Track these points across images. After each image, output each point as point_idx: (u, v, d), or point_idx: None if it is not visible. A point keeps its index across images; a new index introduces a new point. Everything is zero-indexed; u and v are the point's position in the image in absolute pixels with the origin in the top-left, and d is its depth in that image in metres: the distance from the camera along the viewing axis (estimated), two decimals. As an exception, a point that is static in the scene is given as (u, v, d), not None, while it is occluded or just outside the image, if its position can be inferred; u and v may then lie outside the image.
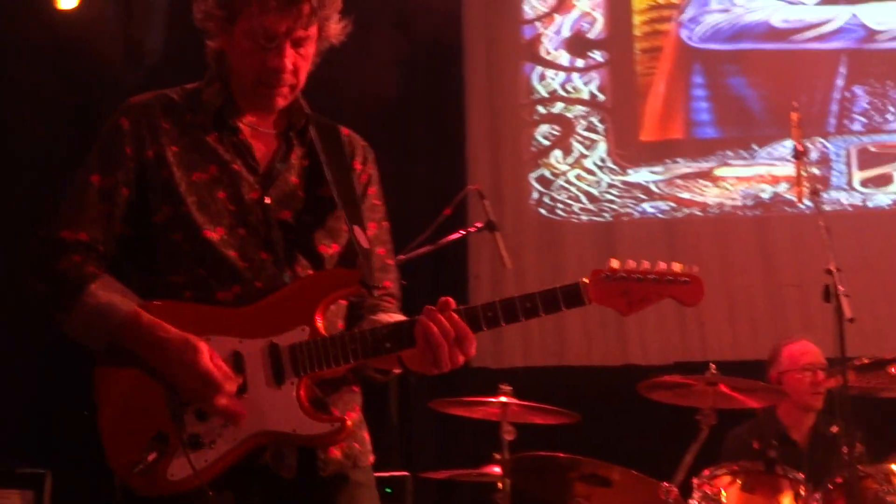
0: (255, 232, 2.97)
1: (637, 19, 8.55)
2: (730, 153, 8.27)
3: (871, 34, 8.27)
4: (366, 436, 3.10)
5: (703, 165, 8.30)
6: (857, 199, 8.11)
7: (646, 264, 2.92)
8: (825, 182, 7.97)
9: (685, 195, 8.26)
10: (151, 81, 7.80)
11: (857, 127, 8.20)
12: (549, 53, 8.60)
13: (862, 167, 8.15)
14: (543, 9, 8.65)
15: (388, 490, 6.24)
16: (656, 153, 8.39)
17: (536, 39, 8.62)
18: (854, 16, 8.27)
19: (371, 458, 3.08)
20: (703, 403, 5.60)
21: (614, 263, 2.91)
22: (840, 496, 5.26)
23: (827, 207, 7.51)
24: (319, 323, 2.90)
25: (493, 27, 8.69)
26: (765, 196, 8.18)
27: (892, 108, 8.20)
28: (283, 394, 2.85)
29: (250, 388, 2.85)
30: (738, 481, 5.38)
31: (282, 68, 2.98)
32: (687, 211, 8.24)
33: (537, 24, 8.64)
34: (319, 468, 2.95)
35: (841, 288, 5.15)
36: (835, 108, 8.21)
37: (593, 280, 2.88)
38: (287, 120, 3.12)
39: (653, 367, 6.87)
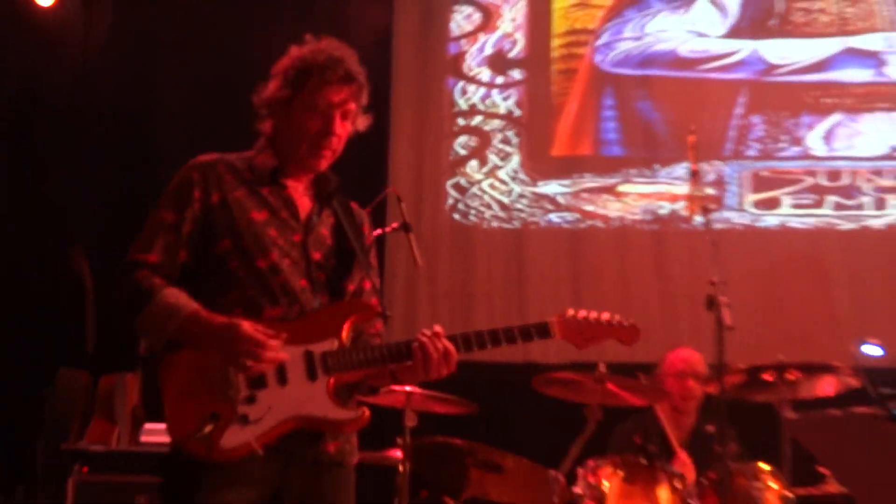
0: (296, 264, 3.58)
1: (555, 42, 8.78)
2: (633, 171, 8.48)
3: (771, 68, 8.49)
4: (355, 440, 3.69)
5: (608, 181, 8.51)
6: (747, 219, 8.30)
7: (594, 312, 3.74)
8: (719, 202, 8.21)
9: (589, 208, 8.46)
10: (99, 65, 8.24)
11: (752, 153, 8.40)
12: (471, 70, 8.84)
13: (754, 190, 8.35)
14: (469, 27, 8.91)
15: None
16: (565, 168, 8.60)
17: (461, 56, 8.86)
18: (755, 50, 8.52)
19: (356, 458, 3.68)
20: (592, 400, 5.79)
21: (571, 311, 3.71)
22: (712, 490, 5.48)
23: (719, 225, 7.87)
24: (345, 336, 3.54)
25: (421, 41, 8.90)
26: (663, 212, 8.38)
27: (784, 137, 8.41)
28: (316, 387, 3.47)
29: (290, 382, 3.45)
30: (620, 473, 5.58)
31: (332, 132, 3.62)
32: (590, 222, 8.43)
33: (462, 41, 8.89)
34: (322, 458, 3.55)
35: (722, 299, 5.29)
36: (733, 134, 8.42)
37: (559, 320, 3.69)
38: (318, 187, 3.75)
39: (551, 365, 6.93)
